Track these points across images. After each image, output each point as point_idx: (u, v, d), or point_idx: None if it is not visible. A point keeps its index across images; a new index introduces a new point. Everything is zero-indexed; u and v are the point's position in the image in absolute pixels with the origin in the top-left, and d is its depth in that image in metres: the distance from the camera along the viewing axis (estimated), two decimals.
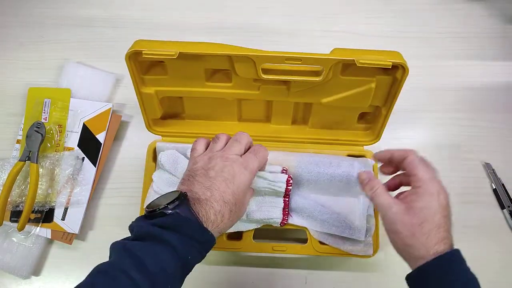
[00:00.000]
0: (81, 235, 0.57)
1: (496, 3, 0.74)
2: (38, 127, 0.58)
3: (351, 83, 0.47)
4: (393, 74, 0.45)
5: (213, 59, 0.45)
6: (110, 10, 0.74)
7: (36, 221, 0.56)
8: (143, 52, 0.43)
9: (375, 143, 0.55)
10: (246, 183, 0.42)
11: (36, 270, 0.57)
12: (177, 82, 0.49)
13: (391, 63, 0.42)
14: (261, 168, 0.48)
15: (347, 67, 0.44)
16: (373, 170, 0.55)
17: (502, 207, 0.59)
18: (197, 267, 0.56)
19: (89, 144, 0.60)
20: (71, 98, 0.62)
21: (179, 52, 0.43)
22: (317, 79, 0.46)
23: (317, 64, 0.45)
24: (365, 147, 0.57)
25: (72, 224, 0.56)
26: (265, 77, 0.46)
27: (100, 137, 0.61)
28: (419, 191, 0.39)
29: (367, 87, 0.47)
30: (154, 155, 0.56)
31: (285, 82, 0.49)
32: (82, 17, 0.73)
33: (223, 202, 0.39)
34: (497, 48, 0.71)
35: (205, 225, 0.37)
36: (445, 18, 0.73)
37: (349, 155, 0.56)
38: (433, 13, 0.74)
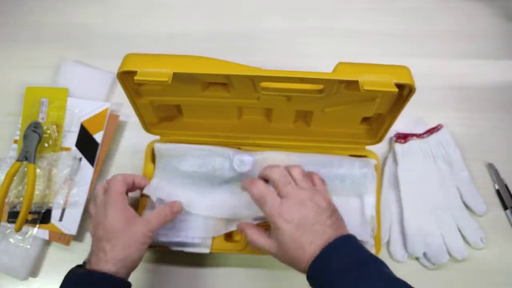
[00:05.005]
0: (78, 236, 0.57)
1: (500, 1, 0.73)
2: (36, 127, 0.58)
3: (355, 96, 0.45)
4: (400, 90, 0.43)
5: (210, 76, 0.44)
6: (108, 8, 0.73)
7: (33, 222, 0.56)
8: (134, 78, 0.41)
9: (377, 144, 0.55)
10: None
11: (34, 272, 0.56)
12: (172, 92, 0.47)
13: (396, 91, 0.40)
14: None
15: (351, 83, 0.42)
16: (376, 170, 0.54)
17: (505, 207, 0.59)
18: (195, 269, 0.56)
19: (86, 144, 0.59)
20: (68, 98, 0.61)
21: (173, 72, 0.41)
22: (319, 95, 0.45)
23: (319, 83, 0.44)
24: (367, 147, 0.56)
25: (69, 225, 0.56)
26: (264, 93, 0.45)
27: (98, 137, 0.60)
28: (271, 225, 0.43)
29: (371, 100, 0.46)
30: (152, 155, 0.56)
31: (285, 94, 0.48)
32: (79, 15, 0.72)
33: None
34: (501, 47, 0.70)
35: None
36: (449, 17, 0.73)
37: (351, 155, 0.56)
38: (436, 11, 0.73)
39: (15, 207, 0.56)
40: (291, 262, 0.42)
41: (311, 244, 0.40)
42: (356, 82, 0.40)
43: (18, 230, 0.54)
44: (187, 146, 0.54)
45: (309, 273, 0.40)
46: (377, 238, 0.53)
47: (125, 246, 0.43)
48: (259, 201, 0.44)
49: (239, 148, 0.56)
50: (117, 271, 0.42)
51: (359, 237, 0.50)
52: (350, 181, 0.53)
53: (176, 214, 0.49)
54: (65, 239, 0.56)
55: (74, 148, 0.59)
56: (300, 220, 0.41)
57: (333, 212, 0.44)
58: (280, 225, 0.41)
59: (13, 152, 0.59)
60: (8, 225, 0.56)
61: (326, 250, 0.40)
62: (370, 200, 0.53)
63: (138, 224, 0.45)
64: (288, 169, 0.46)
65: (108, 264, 0.42)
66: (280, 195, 0.44)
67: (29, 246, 0.55)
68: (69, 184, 0.57)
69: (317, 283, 0.40)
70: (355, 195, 0.53)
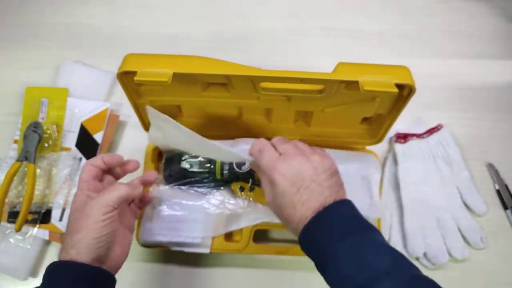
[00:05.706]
0: None
1: (499, 2, 0.73)
2: (36, 127, 0.58)
3: (355, 96, 0.45)
4: (400, 91, 0.42)
5: (209, 76, 0.44)
6: (107, 8, 0.73)
7: (33, 222, 0.56)
8: (134, 78, 0.41)
9: (377, 144, 0.55)
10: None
11: (34, 272, 0.56)
12: (172, 92, 0.47)
13: (396, 91, 0.40)
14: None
15: (351, 83, 0.42)
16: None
17: (505, 207, 0.59)
18: (195, 269, 0.56)
19: (86, 144, 0.59)
20: (68, 98, 0.61)
21: (173, 73, 0.41)
22: (318, 95, 0.45)
23: (319, 84, 0.44)
24: (367, 147, 0.56)
25: None
26: (264, 93, 0.45)
27: (98, 137, 0.60)
28: (269, 180, 0.42)
29: (371, 100, 0.46)
30: (152, 155, 0.56)
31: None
32: (79, 15, 0.72)
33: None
34: (500, 47, 0.70)
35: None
36: (448, 17, 0.73)
37: None
38: (436, 11, 0.73)
39: (15, 207, 0.56)
40: (284, 220, 0.41)
41: (303, 204, 0.39)
42: (356, 82, 0.40)
43: (18, 230, 0.54)
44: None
45: (301, 236, 0.39)
46: None
47: (78, 229, 0.38)
48: (258, 154, 0.43)
49: None
50: (79, 256, 0.37)
51: (371, 215, 0.51)
52: (353, 178, 0.53)
53: (135, 195, 0.43)
54: None
55: (74, 148, 0.59)
56: (296, 176, 0.40)
57: (334, 174, 0.41)
58: (275, 177, 0.40)
59: (13, 152, 0.59)
60: (8, 225, 0.56)
61: (322, 213, 0.38)
62: (376, 178, 0.54)
63: (93, 202, 0.40)
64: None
65: (63, 253, 0.38)
66: (279, 152, 0.43)
67: (29, 246, 0.55)
68: (69, 184, 0.57)
69: (308, 247, 0.39)
70: (355, 193, 0.53)
